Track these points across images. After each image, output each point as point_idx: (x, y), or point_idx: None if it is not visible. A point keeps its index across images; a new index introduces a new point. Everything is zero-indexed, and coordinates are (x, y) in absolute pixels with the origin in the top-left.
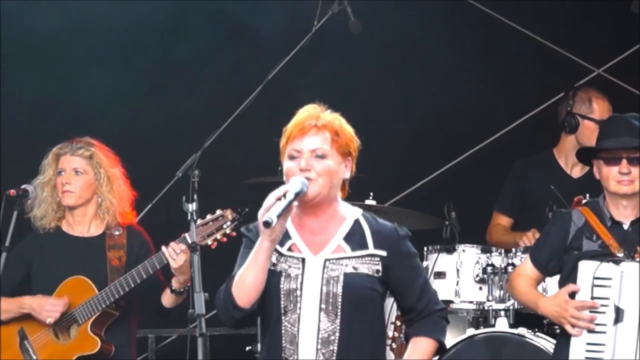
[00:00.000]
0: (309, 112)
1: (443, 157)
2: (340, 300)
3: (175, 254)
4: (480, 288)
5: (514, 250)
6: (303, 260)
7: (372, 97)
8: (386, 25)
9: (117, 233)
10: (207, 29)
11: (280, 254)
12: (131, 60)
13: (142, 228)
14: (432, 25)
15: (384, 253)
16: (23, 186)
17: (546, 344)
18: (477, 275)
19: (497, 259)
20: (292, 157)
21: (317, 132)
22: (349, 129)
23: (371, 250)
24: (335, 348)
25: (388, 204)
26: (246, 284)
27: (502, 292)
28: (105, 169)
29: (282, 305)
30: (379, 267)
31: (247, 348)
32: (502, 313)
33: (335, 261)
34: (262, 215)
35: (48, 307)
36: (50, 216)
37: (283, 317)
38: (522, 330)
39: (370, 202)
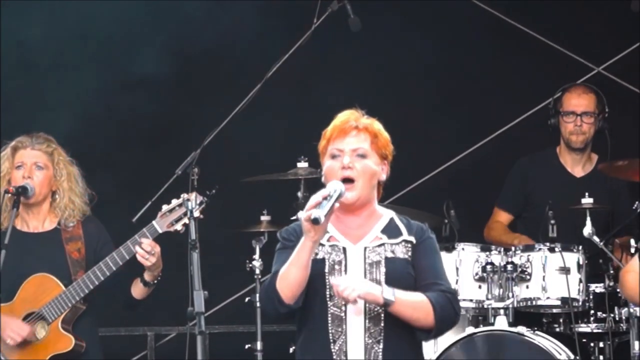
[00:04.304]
0: (348, 115)
1: (442, 155)
2: (383, 283)
3: (147, 254)
4: (480, 286)
5: (513, 248)
6: (344, 248)
7: (371, 95)
8: (385, 24)
9: (71, 225)
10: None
11: (322, 244)
12: (130, 59)
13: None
14: (432, 24)
15: (413, 240)
16: (23, 183)
17: (545, 342)
18: (477, 274)
19: (497, 258)
20: (333, 156)
21: (358, 133)
22: (385, 134)
23: (405, 236)
24: (383, 326)
25: (387, 202)
26: (289, 280)
27: (501, 290)
28: (65, 166)
29: (328, 291)
30: (410, 252)
31: (247, 346)
32: (502, 311)
33: (374, 248)
34: (309, 212)
35: (14, 327)
36: (4, 214)
37: (329, 302)
38: (521, 329)
39: None
